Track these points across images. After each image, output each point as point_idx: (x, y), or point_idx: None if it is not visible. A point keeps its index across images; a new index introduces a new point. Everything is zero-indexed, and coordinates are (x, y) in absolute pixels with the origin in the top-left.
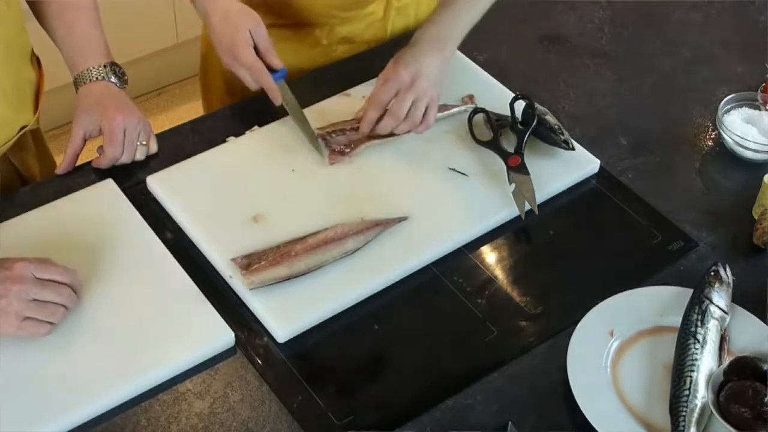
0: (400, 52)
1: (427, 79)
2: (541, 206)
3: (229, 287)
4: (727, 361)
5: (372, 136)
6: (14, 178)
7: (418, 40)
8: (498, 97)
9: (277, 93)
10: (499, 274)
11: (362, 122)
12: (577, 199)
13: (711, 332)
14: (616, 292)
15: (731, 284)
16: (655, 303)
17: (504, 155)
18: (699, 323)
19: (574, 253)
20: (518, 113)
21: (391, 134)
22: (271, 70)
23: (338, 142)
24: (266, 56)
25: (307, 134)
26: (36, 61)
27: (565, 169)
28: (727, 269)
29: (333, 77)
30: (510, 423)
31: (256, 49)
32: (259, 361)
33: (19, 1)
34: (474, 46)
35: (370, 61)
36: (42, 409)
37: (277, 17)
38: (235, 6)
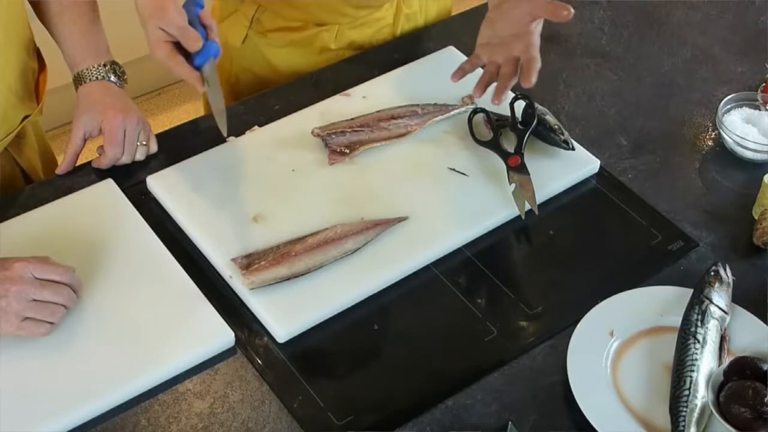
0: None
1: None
2: (541, 206)
3: (229, 287)
4: (727, 361)
5: (373, 137)
6: (16, 174)
7: None
8: None
9: (195, 79)
10: (499, 274)
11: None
12: (577, 199)
13: (711, 332)
14: (616, 292)
15: (731, 284)
16: (655, 303)
17: (504, 155)
18: (699, 323)
19: (574, 253)
20: (518, 113)
21: (396, 136)
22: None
23: (338, 143)
24: (183, 42)
25: (216, 108)
26: (37, 53)
27: (565, 169)
28: (727, 269)
29: (333, 78)
30: (510, 423)
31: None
32: (259, 361)
33: None
34: (474, 46)
35: (370, 61)
36: (42, 409)
37: (286, 19)
38: (142, 6)
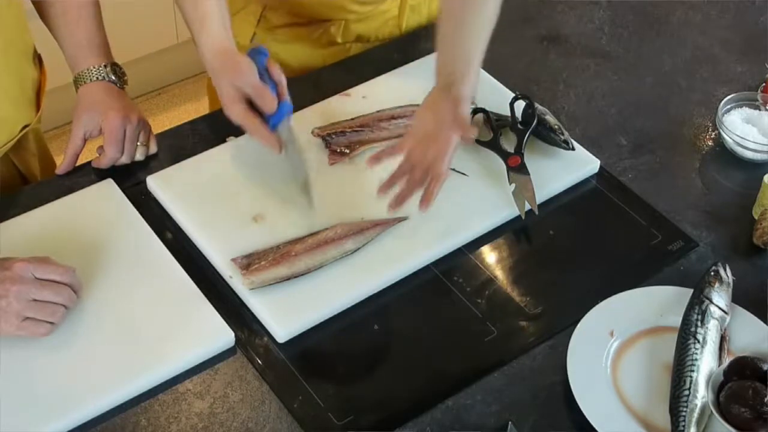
0: (441, 112)
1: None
2: (541, 206)
3: (229, 287)
4: (727, 361)
5: (373, 137)
6: (15, 178)
7: (441, 112)
8: (498, 97)
9: (275, 143)
10: (499, 274)
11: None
12: (577, 199)
13: (711, 332)
14: (616, 292)
15: (731, 284)
16: (655, 303)
17: (504, 155)
18: (699, 323)
19: (574, 253)
20: (518, 113)
21: (396, 136)
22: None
23: (338, 143)
24: (258, 102)
25: (299, 179)
26: (38, 60)
27: (565, 169)
28: (727, 269)
29: (334, 77)
30: (510, 423)
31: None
32: (259, 361)
33: (21, 0)
34: None
35: (370, 61)
36: (42, 409)
37: (293, 15)
38: (214, 61)
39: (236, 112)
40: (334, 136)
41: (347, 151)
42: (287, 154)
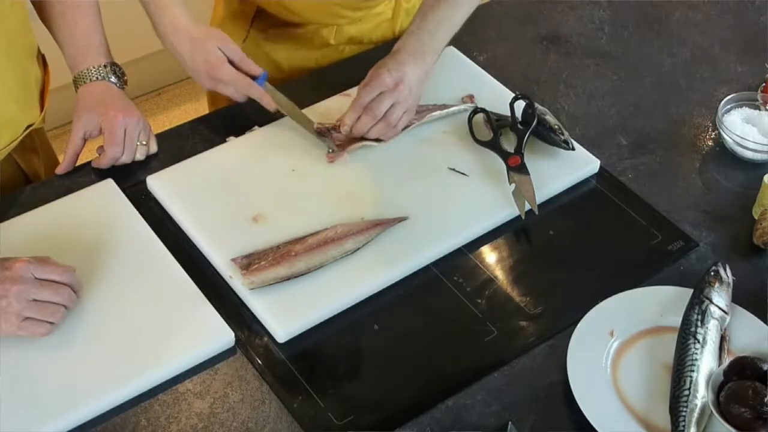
0: (383, 59)
1: (408, 86)
2: (541, 206)
3: (229, 287)
4: (727, 361)
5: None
6: (19, 177)
7: (399, 51)
8: (498, 97)
9: (269, 98)
10: (499, 274)
11: (343, 121)
12: (577, 199)
13: (711, 332)
14: (616, 292)
15: (731, 284)
16: (655, 303)
17: (504, 155)
18: (699, 323)
19: (574, 252)
20: (518, 113)
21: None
22: (253, 78)
23: (335, 139)
24: (244, 66)
25: (308, 128)
26: (42, 60)
27: (565, 169)
28: (727, 269)
29: (334, 77)
30: (510, 423)
31: (231, 63)
32: (259, 361)
33: (24, 0)
34: (474, 46)
35: (370, 60)
36: (42, 409)
37: (285, 18)
38: (197, 30)
39: (228, 72)
40: (333, 132)
41: (345, 144)
42: (288, 112)
